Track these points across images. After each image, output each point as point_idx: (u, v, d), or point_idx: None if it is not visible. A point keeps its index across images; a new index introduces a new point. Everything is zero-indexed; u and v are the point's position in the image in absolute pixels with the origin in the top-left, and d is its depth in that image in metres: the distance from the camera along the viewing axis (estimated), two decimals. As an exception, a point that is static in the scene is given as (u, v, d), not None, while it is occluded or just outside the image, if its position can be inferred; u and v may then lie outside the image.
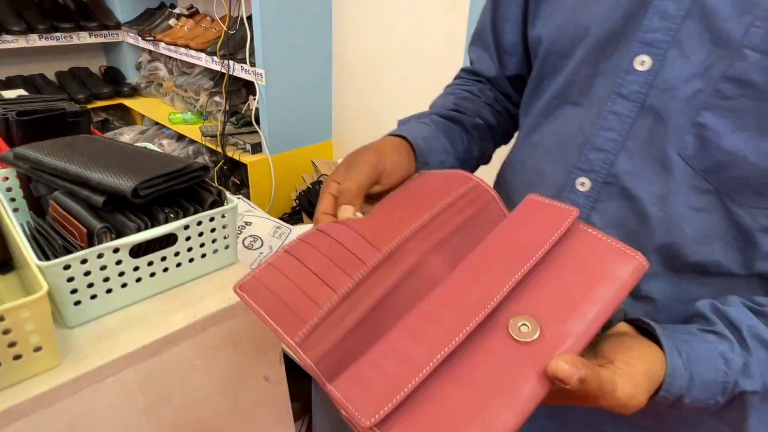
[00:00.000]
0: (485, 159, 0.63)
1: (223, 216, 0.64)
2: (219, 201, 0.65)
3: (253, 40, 1.70)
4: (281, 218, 1.57)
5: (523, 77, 0.59)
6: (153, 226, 0.59)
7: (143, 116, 2.30)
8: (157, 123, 2.22)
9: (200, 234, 0.63)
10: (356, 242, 0.36)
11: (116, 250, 0.56)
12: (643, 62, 0.41)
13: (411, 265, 0.35)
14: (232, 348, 0.63)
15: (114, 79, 2.39)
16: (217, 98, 2.02)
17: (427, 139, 0.52)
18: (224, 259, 0.67)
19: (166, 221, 0.60)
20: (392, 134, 0.52)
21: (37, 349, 0.49)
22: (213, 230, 0.64)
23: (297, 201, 1.68)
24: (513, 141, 0.60)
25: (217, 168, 1.96)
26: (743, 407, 0.38)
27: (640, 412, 0.51)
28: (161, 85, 2.24)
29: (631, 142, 0.43)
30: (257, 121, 1.83)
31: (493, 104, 0.62)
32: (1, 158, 0.71)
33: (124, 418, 0.55)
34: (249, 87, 2.03)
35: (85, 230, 0.56)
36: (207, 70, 2.05)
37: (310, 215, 1.61)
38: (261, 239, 1.25)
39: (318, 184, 1.66)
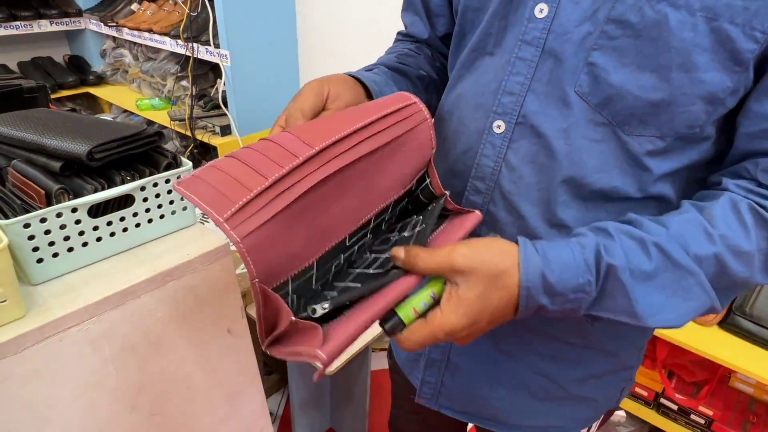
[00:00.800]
0: (430, 110, 0.68)
1: (178, 177, 0.68)
2: (174, 164, 0.68)
3: (216, 22, 1.71)
4: (252, 196, 1.59)
5: (451, 35, 0.64)
6: (110, 188, 0.62)
7: (111, 104, 2.29)
8: (125, 110, 2.22)
9: (157, 195, 0.66)
10: (292, 142, 0.39)
11: (74, 210, 0.59)
12: (541, 10, 0.46)
13: (340, 162, 0.39)
14: (193, 302, 0.67)
15: (79, 68, 2.37)
16: (184, 83, 2.02)
17: (378, 83, 0.56)
18: (183, 221, 0.71)
19: (122, 183, 0.63)
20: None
21: (2, 300, 0.52)
22: (170, 192, 0.68)
23: (267, 179, 1.70)
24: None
25: (188, 152, 1.97)
26: (622, 287, 0.42)
27: (562, 329, 0.56)
28: (127, 71, 2.23)
29: (536, 84, 0.47)
30: (225, 104, 1.85)
31: (431, 60, 0.66)
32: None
33: (90, 366, 0.59)
34: (216, 70, 2.03)
35: (43, 192, 0.59)
36: (172, 54, 2.05)
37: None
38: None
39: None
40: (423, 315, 0.42)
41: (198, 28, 1.81)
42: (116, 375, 0.61)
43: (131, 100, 2.13)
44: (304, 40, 1.90)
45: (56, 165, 0.62)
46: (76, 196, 0.60)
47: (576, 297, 0.42)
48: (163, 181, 0.66)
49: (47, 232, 0.58)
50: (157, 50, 2.11)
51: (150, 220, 0.67)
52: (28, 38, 2.32)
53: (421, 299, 0.42)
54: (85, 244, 0.62)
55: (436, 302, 0.42)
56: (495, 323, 0.43)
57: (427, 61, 0.66)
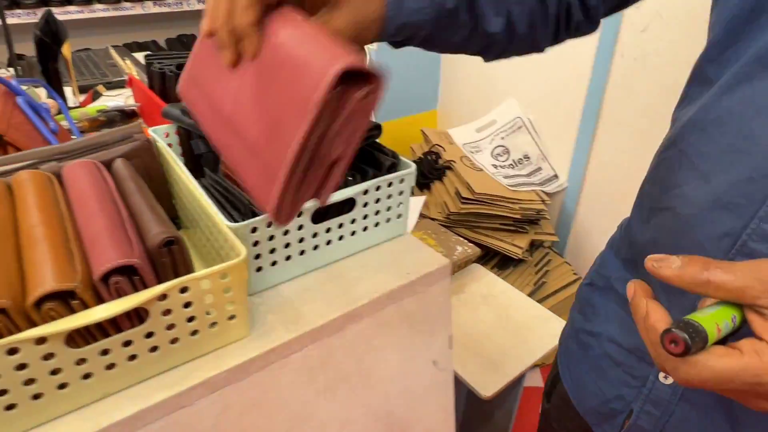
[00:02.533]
0: (474, 48, 0.48)
1: (401, 181, 0.57)
2: (396, 164, 0.58)
3: (366, 1, 1.62)
4: (392, 189, 1.50)
5: None
6: (333, 189, 0.53)
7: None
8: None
9: (377, 200, 0.57)
10: None
11: (300, 213, 0.51)
12: None
13: None
14: (407, 328, 0.57)
15: (218, 46, 2.42)
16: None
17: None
18: (395, 230, 0.61)
19: (346, 184, 0.54)
20: None
21: (231, 317, 0.45)
22: (389, 197, 0.57)
23: (407, 172, 1.60)
24: (700, 98, 0.45)
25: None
26: None
27: None
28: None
29: None
30: (365, 88, 1.77)
31: (550, 4, 0.46)
32: (163, 112, 0.68)
33: (303, 397, 0.51)
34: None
35: (269, 191, 0.50)
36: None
37: (422, 187, 1.53)
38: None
39: (430, 154, 1.57)
40: (722, 341, 0.29)
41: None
42: (325, 408, 0.53)
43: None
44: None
45: (275, 158, 0.54)
46: (299, 197, 0.52)
47: None
48: (386, 184, 0.56)
49: (271, 237, 0.50)
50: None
51: (365, 228, 0.58)
52: (175, 16, 2.40)
53: (722, 317, 0.29)
54: (301, 253, 0.53)
55: (736, 329, 0.29)
56: None
57: (544, 1, 0.46)
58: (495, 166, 1.60)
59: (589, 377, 0.55)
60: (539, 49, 0.50)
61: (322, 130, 0.31)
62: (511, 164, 1.63)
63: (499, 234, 1.45)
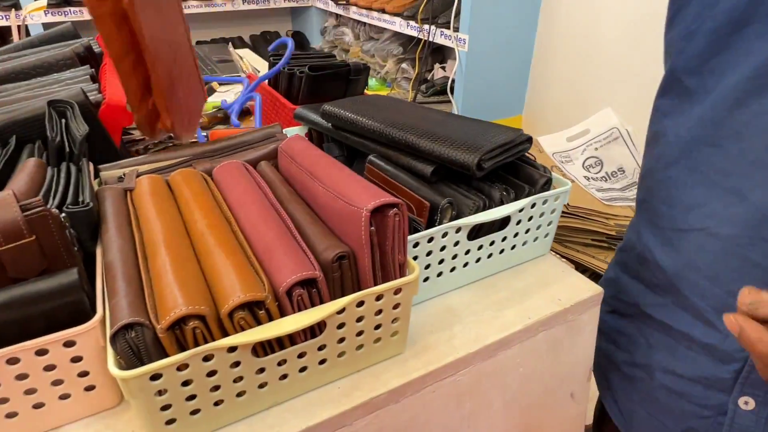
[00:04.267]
0: None
1: (556, 199, 0.54)
2: (550, 180, 0.54)
3: (460, 3, 1.58)
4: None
5: None
6: (490, 205, 0.50)
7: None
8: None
9: (530, 218, 0.53)
10: None
11: (458, 230, 0.48)
12: None
13: None
14: (553, 357, 0.53)
15: (299, 44, 2.45)
16: (404, 65, 1.96)
17: None
18: (539, 249, 0.57)
19: (501, 201, 0.51)
20: None
21: (394, 334, 0.43)
22: (542, 215, 0.54)
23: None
24: (686, 112, 0.44)
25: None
26: None
27: None
28: (346, 50, 2.24)
29: None
30: (451, 90, 1.73)
31: None
32: (295, 115, 0.68)
33: (449, 423, 0.48)
34: (434, 55, 1.93)
35: (428, 204, 0.48)
36: (397, 35, 1.99)
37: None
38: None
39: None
40: None
41: (434, 10, 1.71)
42: (467, 435, 0.50)
43: (348, 79, 2.13)
44: (544, 28, 1.69)
45: (427, 168, 0.51)
46: (458, 212, 0.49)
47: None
48: (541, 202, 0.53)
49: (429, 253, 0.48)
50: (381, 30, 2.07)
51: (513, 247, 0.54)
52: (259, 13, 2.46)
53: None
54: (452, 269, 0.51)
55: None
56: None
57: None
58: (587, 178, 1.52)
59: (643, 411, 0.53)
60: None
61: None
62: (604, 177, 1.55)
63: (590, 250, 1.38)
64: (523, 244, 0.55)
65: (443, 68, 1.92)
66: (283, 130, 0.65)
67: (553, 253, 0.59)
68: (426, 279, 0.50)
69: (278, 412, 0.40)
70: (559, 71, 1.70)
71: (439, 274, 0.50)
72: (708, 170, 0.42)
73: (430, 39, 1.72)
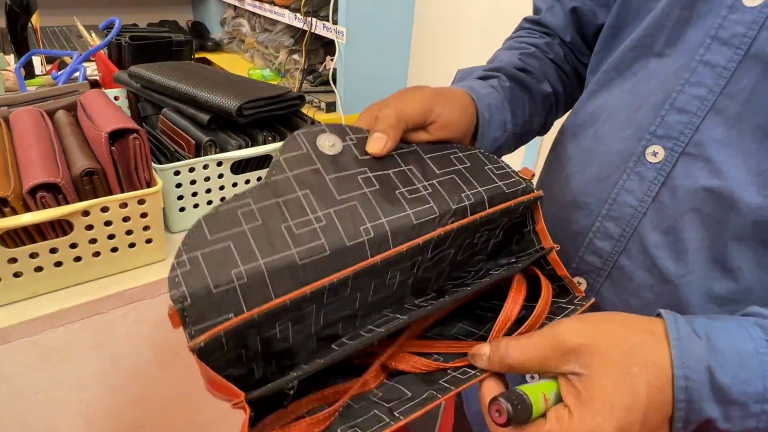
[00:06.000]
0: (544, 130, 0.55)
1: (315, 144, 0.66)
2: (313, 130, 0.66)
3: (337, -2, 1.71)
4: (350, 176, 1.59)
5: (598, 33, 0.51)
6: (252, 146, 0.61)
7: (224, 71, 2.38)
8: (236, 78, 2.30)
9: (293, 159, 0.65)
10: None
11: (219, 164, 0.59)
12: None
13: None
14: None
15: (199, 34, 2.48)
16: (295, 56, 2.06)
17: (491, 108, 0.45)
18: (311, 189, 0.69)
19: (265, 143, 0.62)
20: (460, 87, 0.44)
21: (148, 241, 0.53)
22: (305, 157, 0.66)
23: (366, 161, 1.69)
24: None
25: (289, 125, 2.01)
26: None
27: None
28: (243, 41, 2.30)
29: (724, 102, 0.34)
30: (334, 81, 1.86)
31: (562, 63, 0.53)
32: (114, 78, 0.76)
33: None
34: (327, 47, 2.05)
35: (193, 142, 0.59)
36: (288, 27, 2.09)
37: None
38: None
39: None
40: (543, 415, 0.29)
41: (318, 3, 1.83)
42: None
43: (244, 68, 2.20)
44: (420, 23, 1.85)
45: (204, 117, 0.62)
46: (221, 150, 0.60)
47: (763, 411, 0.27)
48: (301, 145, 0.65)
49: (193, 182, 0.58)
50: (275, 22, 2.16)
51: (282, 184, 0.66)
52: (158, 1, 2.46)
53: (551, 387, 0.29)
54: (222, 199, 0.62)
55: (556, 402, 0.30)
56: None
57: (556, 64, 0.53)
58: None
59: None
60: (574, 99, 0.56)
61: None
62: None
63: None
64: (293, 182, 0.67)
65: (333, 60, 2.04)
66: (105, 91, 0.73)
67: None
68: (196, 206, 0.60)
69: (39, 299, 0.49)
70: (435, 62, 1.88)
71: (209, 203, 0.61)
72: (562, 157, 0.46)
73: (314, 31, 1.84)
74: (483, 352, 0.32)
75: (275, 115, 0.65)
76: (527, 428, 0.28)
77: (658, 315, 0.30)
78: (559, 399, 0.29)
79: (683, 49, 0.37)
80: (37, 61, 1.07)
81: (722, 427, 0.28)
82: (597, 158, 0.42)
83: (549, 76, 0.52)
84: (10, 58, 1.03)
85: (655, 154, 0.37)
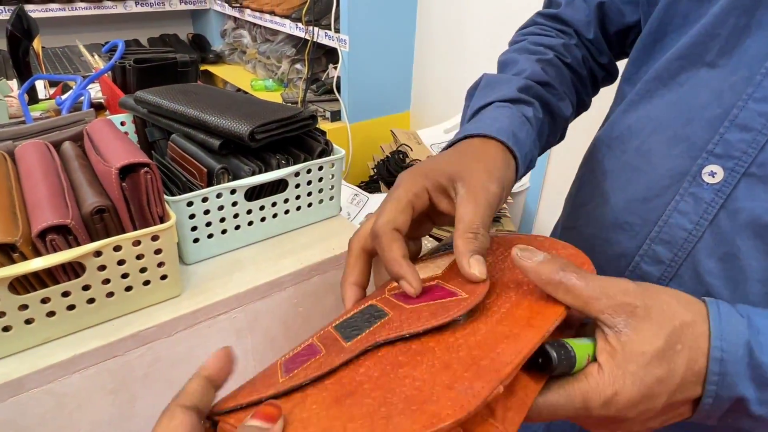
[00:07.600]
0: (558, 141, 0.53)
1: (331, 165, 0.64)
2: (327, 150, 0.64)
3: (338, 6, 1.69)
4: (358, 186, 1.57)
5: (626, 30, 0.48)
6: (266, 170, 0.59)
7: (226, 83, 2.37)
8: (239, 89, 2.28)
9: (308, 182, 0.63)
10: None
11: (233, 191, 0.57)
12: None
13: None
14: (333, 298, 0.63)
15: (200, 46, 2.47)
16: (298, 66, 2.04)
17: (526, 158, 0.41)
18: (327, 210, 0.67)
19: (278, 167, 0.60)
20: (488, 136, 0.38)
21: (163, 277, 0.51)
22: (320, 179, 0.64)
23: (375, 170, 1.67)
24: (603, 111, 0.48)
25: (294, 135, 1.99)
26: None
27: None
28: (244, 52, 2.29)
29: None
30: (338, 89, 1.83)
31: (579, 68, 0.50)
32: (120, 103, 0.74)
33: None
34: (329, 55, 2.03)
35: (205, 170, 0.56)
36: (290, 37, 2.07)
37: (388, 184, 1.60)
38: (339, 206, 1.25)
39: (397, 153, 1.64)
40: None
41: (319, 12, 1.81)
42: (255, 367, 0.59)
43: (246, 80, 2.19)
44: (422, 30, 1.83)
45: (215, 143, 0.60)
46: (234, 176, 0.58)
47: None
48: (316, 168, 0.62)
49: (206, 211, 0.56)
50: (276, 32, 2.14)
51: (299, 208, 0.64)
52: (158, 16, 2.45)
53: (592, 346, 0.29)
54: (237, 228, 0.59)
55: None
56: (671, 414, 0.29)
57: (572, 70, 0.50)
58: (459, 166, 1.67)
59: None
60: (587, 107, 0.55)
61: None
62: (475, 165, 1.70)
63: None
64: (309, 206, 0.64)
65: (336, 68, 2.02)
66: (112, 117, 0.71)
67: (345, 216, 0.69)
68: (210, 236, 0.58)
69: (51, 345, 0.47)
70: (437, 70, 1.85)
71: (224, 232, 0.59)
72: (598, 172, 0.43)
73: (316, 40, 1.82)
74: (537, 254, 0.29)
75: (288, 137, 0.63)
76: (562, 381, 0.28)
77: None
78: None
79: (741, 60, 0.34)
80: (40, 84, 1.05)
81: (755, 411, 0.27)
82: (642, 176, 0.39)
83: (567, 92, 0.49)
84: (13, 84, 1.02)
85: (713, 174, 0.35)
